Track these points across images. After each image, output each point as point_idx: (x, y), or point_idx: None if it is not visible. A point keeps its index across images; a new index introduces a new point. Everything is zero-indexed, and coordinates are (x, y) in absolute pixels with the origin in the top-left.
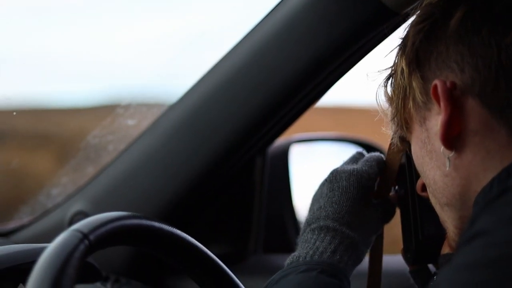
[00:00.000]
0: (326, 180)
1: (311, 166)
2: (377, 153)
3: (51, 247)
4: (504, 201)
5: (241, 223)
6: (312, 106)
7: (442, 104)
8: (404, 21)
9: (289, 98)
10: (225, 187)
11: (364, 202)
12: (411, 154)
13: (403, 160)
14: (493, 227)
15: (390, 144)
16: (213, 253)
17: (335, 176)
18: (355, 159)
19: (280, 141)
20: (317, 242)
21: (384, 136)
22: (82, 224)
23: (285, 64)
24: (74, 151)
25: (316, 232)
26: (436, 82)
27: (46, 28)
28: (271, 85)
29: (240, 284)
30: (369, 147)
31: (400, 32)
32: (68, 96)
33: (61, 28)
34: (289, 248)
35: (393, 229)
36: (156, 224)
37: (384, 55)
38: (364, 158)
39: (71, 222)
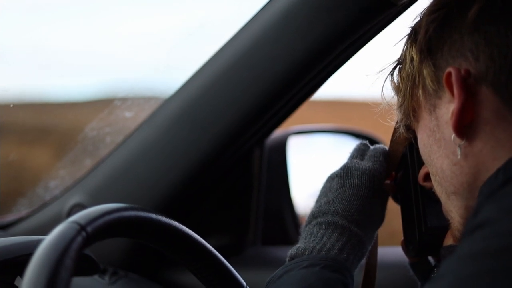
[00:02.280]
0: (336, 175)
1: (309, 158)
2: (381, 146)
3: (48, 239)
4: (508, 190)
5: (239, 215)
6: (310, 97)
7: (455, 91)
8: (402, 12)
9: (287, 89)
10: (223, 178)
11: (373, 201)
12: (416, 144)
13: (404, 150)
14: (497, 217)
15: (394, 134)
16: (211, 245)
17: (346, 173)
18: (361, 151)
19: (278, 132)
20: (325, 238)
21: (381, 128)
22: (79, 216)
23: (283, 55)
24: (72, 144)
25: (324, 227)
26: (450, 69)
27: (44, 22)
28: (268, 77)
29: (239, 276)
30: (366, 139)
31: (400, 22)
32: (66, 90)
33: (59, 22)
34: (287, 239)
35: (392, 222)
36: (154, 216)
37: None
38: (371, 153)
39: (69, 214)
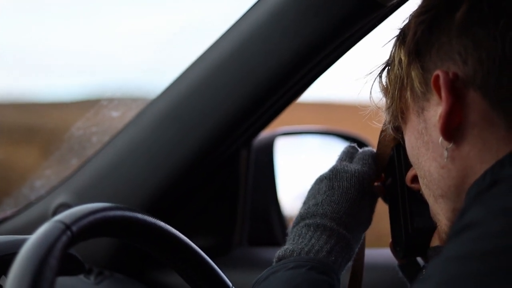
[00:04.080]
0: (325, 177)
1: (296, 159)
2: (370, 148)
3: (33, 238)
4: (495, 192)
5: (226, 216)
6: (297, 98)
7: (443, 95)
8: (391, 13)
9: (274, 90)
10: (210, 179)
11: (362, 204)
12: (404, 145)
13: (392, 152)
14: (484, 219)
15: (381, 136)
16: (197, 245)
17: (335, 175)
18: (349, 154)
19: (265, 133)
20: (313, 240)
21: (369, 130)
22: (64, 215)
23: (270, 56)
24: (58, 143)
25: (312, 229)
26: (438, 72)
27: (31, 23)
28: (256, 77)
29: (224, 277)
30: (354, 141)
31: (391, 24)
32: (53, 90)
33: (47, 24)
34: (274, 240)
35: (379, 224)
36: (140, 215)
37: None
38: (360, 156)
39: (55, 214)
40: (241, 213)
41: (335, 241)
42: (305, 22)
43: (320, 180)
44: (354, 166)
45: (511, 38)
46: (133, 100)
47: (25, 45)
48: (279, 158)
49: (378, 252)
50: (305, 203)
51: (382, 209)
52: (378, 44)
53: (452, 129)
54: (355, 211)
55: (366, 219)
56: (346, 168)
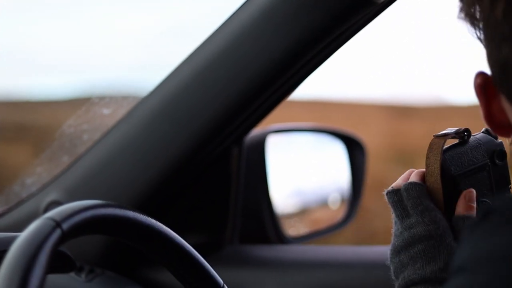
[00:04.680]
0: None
1: (287, 157)
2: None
3: (23, 236)
4: (485, 228)
5: (217, 213)
6: (289, 95)
7: None
8: (382, 10)
9: (266, 87)
10: (201, 176)
11: None
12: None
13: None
14: (470, 265)
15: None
16: (189, 243)
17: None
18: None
19: (256, 131)
20: None
21: (360, 128)
22: (55, 212)
23: (261, 53)
24: (49, 141)
25: None
26: None
27: (21, 21)
28: (248, 75)
29: (216, 275)
30: (346, 138)
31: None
32: (45, 88)
33: (38, 22)
34: (265, 238)
35: (373, 222)
36: (131, 213)
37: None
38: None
39: (46, 211)
40: (233, 211)
41: None
42: (296, 20)
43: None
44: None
45: None
46: (124, 97)
47: (17, 43)
48: (271, 155)
49: (374, 249)
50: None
51: (374, 207)
52: (370, 41)
53: None
54: None
55: None
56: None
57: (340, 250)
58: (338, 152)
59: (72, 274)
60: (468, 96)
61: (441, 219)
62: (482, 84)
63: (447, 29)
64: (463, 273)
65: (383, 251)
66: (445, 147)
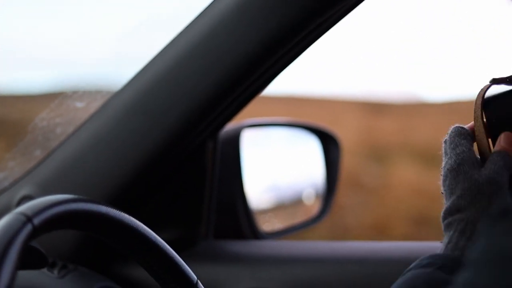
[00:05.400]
0: None
1: (262, 151)
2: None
3: None
4: (499, 229)
5: (192, 208)
6: (264, 89)
7: None
8: (357, 4)
9: (240, 81)
10: (175, 171)
11: None
12: None
13: None
14: (477, 263)
15: None
16: (163, 238)
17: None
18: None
19: (231, 125)
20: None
21: (334, 124)
22: (26, 207)
23: (236, 47)
24: (22, 135)
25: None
26: None
27: None
28: (222, 68)
29: (190, 271)
30: (321, 133)
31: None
32: (17, 82)
33: (9, 15)
34: (240, 234)
35: (345, 218)
36: (104, 208)
37: None
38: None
39: (18, 206)
40: (207, 206)
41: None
42: (271, 13)
43: None
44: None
45: None
46: (97, 91)
47: None
48: (245, 150)
49: (350, 244)
50: None
51: (346, 202)
52: (345, 36)
53: None
54: None
55: None
56: None
57: (316, 245)
58: (312, 147)
59: (44, 270)
60: (442, 93)
61: (464, 152)
62: None
63: (422, 27)
64: (474, 267)
65: (358, 246)
66: (497, 93)
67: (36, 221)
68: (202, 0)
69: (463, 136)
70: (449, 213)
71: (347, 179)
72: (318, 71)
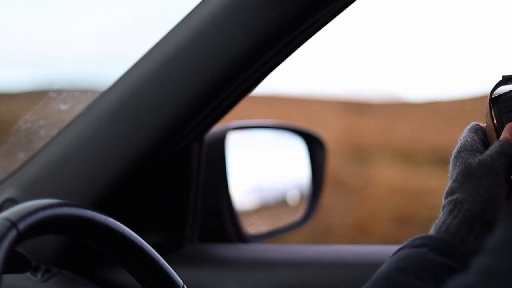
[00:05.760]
0: None
1: (248, 154)
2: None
3: None
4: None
5: (177, 212)
6: (251, 92)
7: None
8: (348, 5)
9: (228, 83)
10: (161, 174)
11: None
12: None
13: None
14: (501, 249)
15: None
16: (148, 242)
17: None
18: None
19: (216, 128)
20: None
21: (316, 124)
22: (11, 212)
23: (224, 48)
24: (4, 137)
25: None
26: None
27: None
28: (209, 70)
29: (175, 274)
30: (306, 136)
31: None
32: (2, 82)
33: None
34: (225, 237)
35: (328, 218)
36: (89, 212)
37: None
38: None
39: (1, 209)
40: (193, 209)
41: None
42: (259, 16)
43: None
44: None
45: None
46: (82, 92)
47: None
48: (231, 153)
49: (335, 248)
50: None
51: (328, 203)
52: (327, 37)
53: None
54: None
55: None
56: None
57: (301, 249)
58: (298, 150)
59: (28, 274)
60: (422, 93)
61: (467, 141)
62: None
63: (404, 27)
64: (492, 253)
65: (344, 250)
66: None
67: (21, 226)
68: (189, 2)
69: (474, 130)
70: (445, 196)
71: (329, 179)
72: (301, 70)
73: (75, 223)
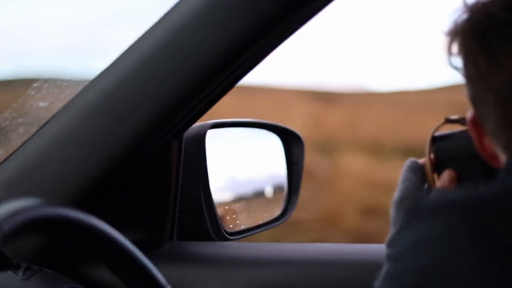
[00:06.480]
0: None
1: (226, 152)
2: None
3: None
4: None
5: (157, 209)
6: (231, 89)
7: None
8: (330, 1)
9: (208, 81)
10: (140, 171)
11: None
12: None
13: None
14: (400, 253)
15: None
16: (128, 239)
17: None
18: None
19: (195, 125)
20: None
21: (283, 114)
22: None
23: (205, 46)
24: None
25: None
26: None
27: None
28: (188, 69)
29: (156, 271)
30: (284, 132)
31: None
32: None
33: None
34: (204, 235)
35: (296, 211)
36: (73, 212)
37: None
38: None
39: None
40: (172, 207)
41: None
42: (238, 14)
43: None
44: None
45: None
46: (61, 89)
47: None
48: (210, 150)
49: (315, 246)
50: None
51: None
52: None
53: None
54: None
55: None
56: None
57: (282, 247)
58: (276, 147)
59: (9, 272)
60: (389, 83)
61: (408, 187)
62: (473, 120)
63: (372, 18)
64: (390, 261)
65: (324, 248)
66: (451, 131)
67: (7, 227)
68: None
69: (414, 170)
70: (387, 245)
71: None
72: (269, 60)
73: (60, 224)
